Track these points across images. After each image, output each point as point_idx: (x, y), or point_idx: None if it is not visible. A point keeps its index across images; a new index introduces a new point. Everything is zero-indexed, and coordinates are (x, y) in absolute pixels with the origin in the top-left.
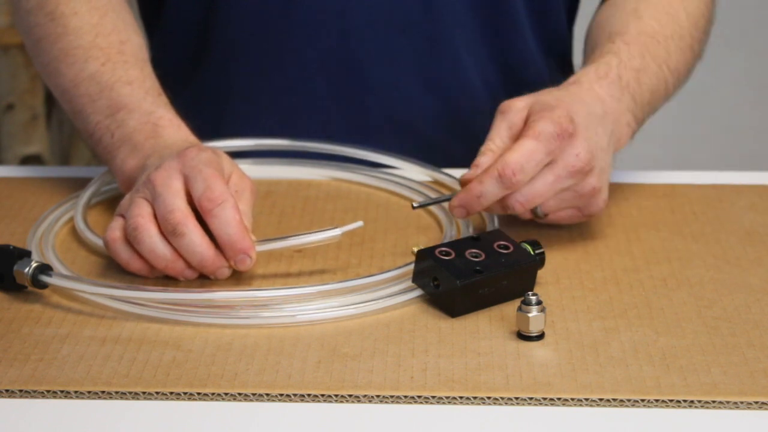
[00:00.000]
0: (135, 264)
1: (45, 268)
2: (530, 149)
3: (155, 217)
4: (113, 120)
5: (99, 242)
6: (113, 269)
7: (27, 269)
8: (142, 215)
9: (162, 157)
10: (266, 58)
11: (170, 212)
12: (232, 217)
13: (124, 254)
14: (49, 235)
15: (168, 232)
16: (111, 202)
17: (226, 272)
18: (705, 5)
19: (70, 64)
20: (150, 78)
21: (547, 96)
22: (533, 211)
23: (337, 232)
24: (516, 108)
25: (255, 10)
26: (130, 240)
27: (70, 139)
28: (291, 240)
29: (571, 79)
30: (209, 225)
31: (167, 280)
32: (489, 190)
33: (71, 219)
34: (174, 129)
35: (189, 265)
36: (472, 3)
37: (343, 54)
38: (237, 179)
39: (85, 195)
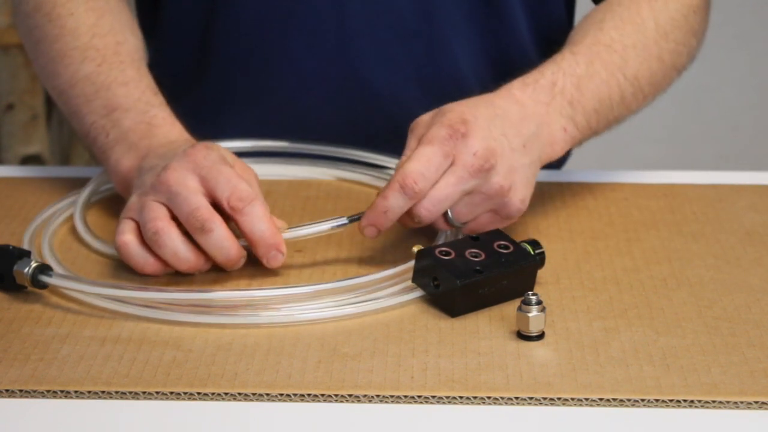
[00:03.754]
0: (151, 266)
1: (45, 268)
2: (426, 155)
3: (173, 219)
4: (108, 120)
5: (97, 244)
6: (113, 269)
7: (27, 269)
8: (160, 218)
9: (161, 157)
10: (265, 66)
11: (196, 209)
12: (264, 214)
13: (139, 258)
14: (46, 234)
15: (195, 229)
16: (109, 202)
17: (242, 262)
18: (683, 16)
19: (67, 65)
20: (146, 77)
21: (451, 104)
22: (448, 221)
23: (343, 220)
24: (423, 122)
25: (253, 19)
26: (150, 244)
27: (70, 139)
28: (298, 230)
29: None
30: (239, 224)
31: (170, 277)
32: (394, 203)
33: (69, 218)
34: (168, 127)
35: (208, 260)
36: (470, 9)
37: (342, 61)
38: (241, 171)
39: (84, 195)
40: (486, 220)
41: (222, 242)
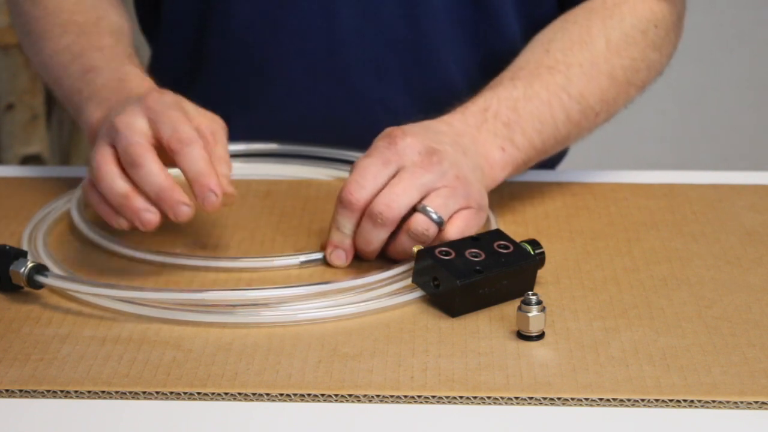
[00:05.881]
0: (102, 207)
1: (41, 269)
2: (363, 165)
3: (118, 159)
4: (83, 81)
5: (96, 236)
6: (113, 268)
7: (23, 269)
8: (102, 155)
9: (123, 104)
10: (256, 72)
11: (130, 145)
12: (200, 156)
13: (93, 198)
14: (41, 233)
15: (127, 164)
16: None
17: (185, 210)
18: (640, 32)
19: (48, 40)
20: (123, 44)
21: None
22: (427, 214)
23: (297, 260)
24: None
25: (244, 24)
26: (94, 183)
27: (70, 139)
28: (252, 261)
29: None
30: (179, 164)
31: (169, 278)
32: (341, 219)
33: (65, 217)
34: (138, 81)
35: (147, 200)
36: (460, 16)
37: (331, 68)
38: (208, 122)
39: (78, 193)
40: (464, 217)
41: (152, 177)
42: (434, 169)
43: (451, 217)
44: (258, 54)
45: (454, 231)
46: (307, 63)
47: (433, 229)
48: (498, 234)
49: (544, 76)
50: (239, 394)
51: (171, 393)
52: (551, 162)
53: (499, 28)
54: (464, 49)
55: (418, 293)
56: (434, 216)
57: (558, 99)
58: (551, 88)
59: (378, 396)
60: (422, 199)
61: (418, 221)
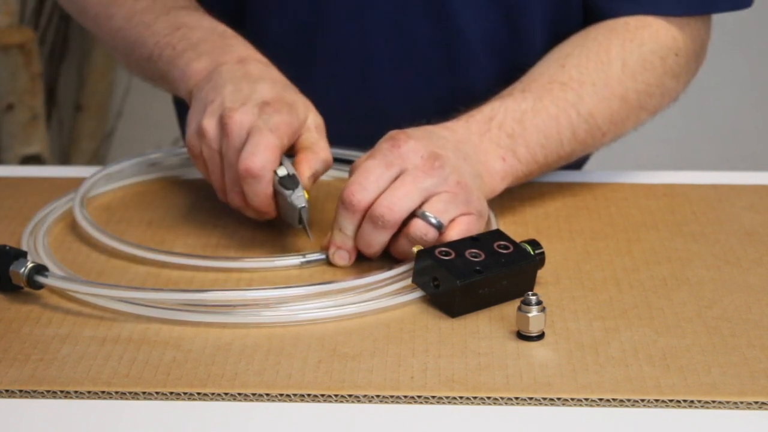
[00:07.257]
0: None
1: (41, 269)
2: (366, 167)
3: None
4: (174, 36)
5: (96, 236)
6: (113, 268)
7: (23, 270)
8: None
9: (237, 82)
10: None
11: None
12: (263, 195)
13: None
14: (41, 233)
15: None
16: (105, 201)
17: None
18: (660, 58)
19: (121, 5)
20: (200, 7)
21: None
22: (426, 219)
23: (297, 260)
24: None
25: (277, 51)
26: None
27: (70, 139)
28: (253, 261)
29: None
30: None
31: (168, 278)
32: (342, 220)
33: (65, 217)
34: (239, 39)
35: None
36: (492, 49)
37: (364, 97)
38: (312, 125)
39: (81, 191)
40: (465, 222)
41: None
42: (436, 174)
43: (451, 222)
44: (290, 76)
45: (454, 236)
46: (339, 86)
47: (432, 234)
48: (498, 234)
49: (556, 91)
50: (239, 394)
51: (171, 393)
52: (577, 163)
53: (531, 58)
54: (497, 84)
55: (418, 293)
56: (433, 221)
57: (567, 116)
58: (561, 104)
59: (378, 396)
60: (423, 203)
61: (417, 226)
